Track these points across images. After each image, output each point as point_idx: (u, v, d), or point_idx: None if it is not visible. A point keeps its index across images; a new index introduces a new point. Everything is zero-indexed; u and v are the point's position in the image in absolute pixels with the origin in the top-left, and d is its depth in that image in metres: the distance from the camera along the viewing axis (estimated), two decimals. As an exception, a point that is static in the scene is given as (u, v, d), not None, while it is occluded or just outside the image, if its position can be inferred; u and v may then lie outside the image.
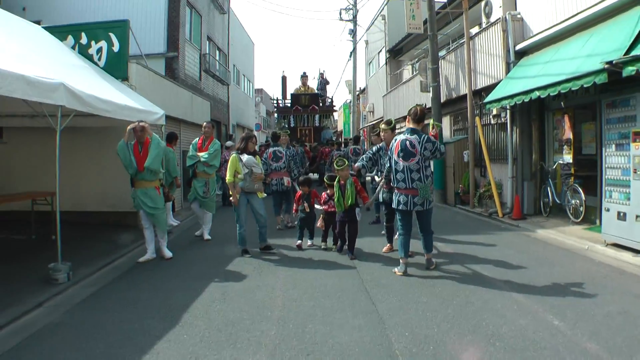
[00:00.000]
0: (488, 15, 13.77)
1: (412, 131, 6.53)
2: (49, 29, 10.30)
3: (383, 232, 8.48)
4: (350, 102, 33.57)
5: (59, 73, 6.76)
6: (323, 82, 29.14)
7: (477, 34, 13.91)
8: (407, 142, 6.45)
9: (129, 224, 10.45)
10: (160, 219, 7.57)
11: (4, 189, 10.33)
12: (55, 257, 6.26)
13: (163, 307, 5.25)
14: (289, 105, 25.05)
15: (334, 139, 24.15)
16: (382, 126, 8.20)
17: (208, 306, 5.26)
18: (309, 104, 24.12)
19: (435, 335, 4.29)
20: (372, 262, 7.32)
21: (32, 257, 7.69)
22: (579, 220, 9.65)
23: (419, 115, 6.62)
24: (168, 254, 7.71)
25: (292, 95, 25.04)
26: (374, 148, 8.34)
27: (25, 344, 4.31)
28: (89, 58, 10.50)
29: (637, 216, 7.12)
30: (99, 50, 10.81)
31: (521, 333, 4.29)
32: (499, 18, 12.34)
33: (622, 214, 7.46)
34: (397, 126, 23.79)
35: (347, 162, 7.78)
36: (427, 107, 14.60)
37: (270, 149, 10.48)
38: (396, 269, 6.60)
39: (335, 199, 7.61)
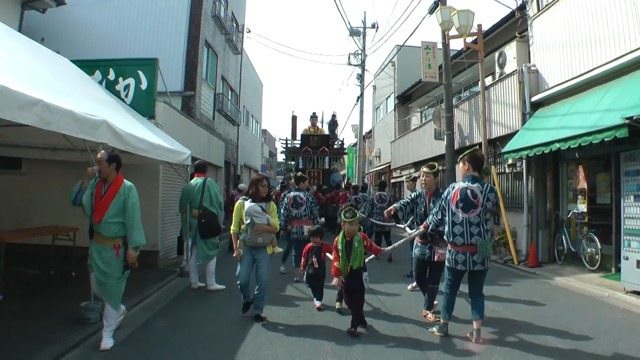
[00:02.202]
0: (502, 66, 14.29)
1: (474, 179, 5.72)
2: (76, 62, 10.14)
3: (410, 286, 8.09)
4: (355, 145, 33.82)
5: (97, 109, 6.76)
6: (333, 124, 29.36)
7: (492, 85, 14.37)
8: (469, 191, 5.62)
9: (150, 263, 10.27)
10: (112, 292, 5.40)
11: (21, 221, 10.13)
12: (77, 294, 6.29)
13: None
14: (298, 145, 24.69)
15: (342, 183, 24.02)
16: (425, 169, 7.02)
17: None
18: (319, 145, 23.86)
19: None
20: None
21: (54, 294, 7.31)
22: (595, 268, 9.87)
23: (480, 160, 5.92)
24: (107, 343, 5.28)
25: (302, 135, 24.80)
26: (413, 194, 7.31)
27: None
28: (116, 94, 10.53)
29: (656, 265, 7.33)
30: (127, 87, 10.91)
31: None
32: (515, 70, 12.83)
33: (641, 263, 7.69)
34: (403, 173, 24.26)
35: (357, 214, 6.38)
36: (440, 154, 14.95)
37: (291, 194, 9.74)
38: (434, 329, 5.88)
39: (341, 261, 6.11)
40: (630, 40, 9.04)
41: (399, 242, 7.23)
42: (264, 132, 54.18)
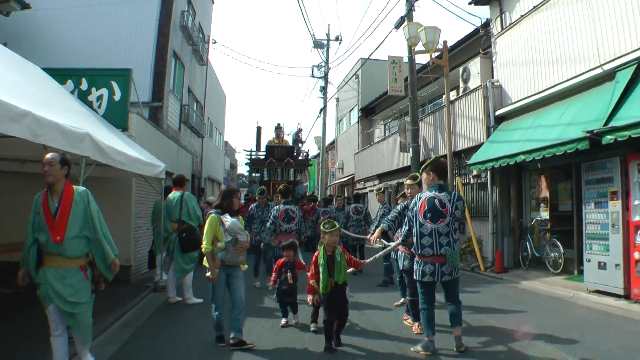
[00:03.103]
0: (466, 81, 14.87)
1: (440, 187, 5.60)
2: (47, 70, 9.50)
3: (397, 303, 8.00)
4: (318, 157, 33.92)
5: (76, 121, 6.48)
6: (299, 138, 29.36)
7: (457, 99, 14.97)
8: (436, 201, 5.47)
9: (123, 278, 9.73)
10: (84, 322, 4.61)
11: None
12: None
13: None
14: (262, 157, 24.17)
15: (307, 194, 23.99)
16: (408, 182, 6.92)
17: None
18: (283, 157, 23.24)
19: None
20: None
21: (28, 312, 6.76)
22: (559, 271, 10.47)
23: (444, 168, 5.94)
24: None
25: (266, 147, 24.32)
26: (399, 207, 6.94)
27: None
28: (89, 104, 10.16)
29: (616, 265, 8.03)
30: (100, 97, 10.70)
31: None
32: (480, 85, 13.41)
33: (602, 264, 8.34)
34: (367, 185, 24.68)
35: (337, 225, 6.00)
36: (405, 165, 15.38)
37: (282, 207, 9.23)
38: (419, 348, 5.45)
39: (321, 278, 5.65)
40: (589, 59, 9.71)
41: (379, 254, 7.20)
42: (225, 143, 54.07)
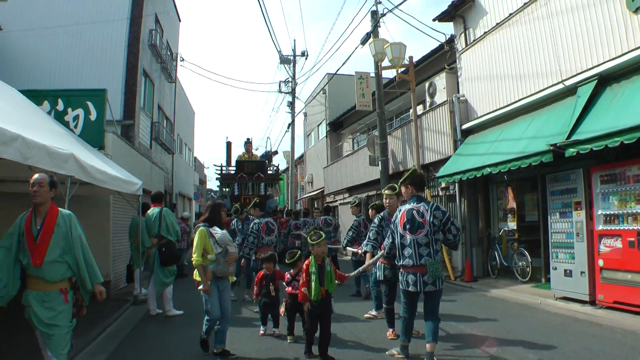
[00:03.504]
0: (432, 95, 15.30)
1: (418, 199, 5.75)
2: (24, 92, 9.57)
3: (371, 313, 8.17)
4: (287, 171, 33.97)
5: (58, 142, 6.67)
6: (269, 153, 29.44)
7: (424, 113, 15.33)
8: (414, 212, 5.61)
9: None
10: (61, 344, 4.46)
11: None
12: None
13: None
14: (233, 172, 24.02)
15: (278, 208, 24.11)
16: (387, 192, 7.20)
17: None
18: (254, 171, 23.24)
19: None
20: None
21: (15, 326, 6.57)
22: (527, 279, 10.84)
23: (421, 180, 6.06)
24: None
25: (237, 162, 24.20)
26: (376, 220, 7.34)
27: None
28: (65, 124, 10.39)
29: (581, 272, 8.43)
30: (76, 117, 10.95)
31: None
32: (446, 100, 13.81)
33: (568, 271, 8.74)
34: (337, 198, 24.94)
35: (323, 235, 6.12)
36: (375, 179, 15.68)
37: (263, 220, 9.50)
38: (394, 351, 5.78)
39: (312, 286, 5.76)
40: (551, 75, 10.16)
41: (363, 267, 7.20)
42: (195, 159, 53.88)
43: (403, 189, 5.97)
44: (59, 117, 10.62)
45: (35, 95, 10.39)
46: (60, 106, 10.90)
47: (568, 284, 8.75)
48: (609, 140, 7.42)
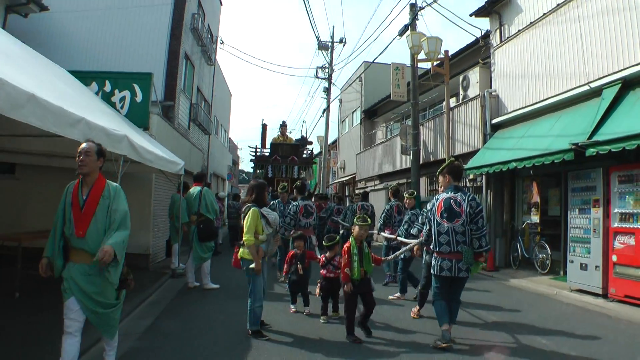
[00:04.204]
0: (465, 89, 15.64)
1: (456, 188, 5.98)
2: (73, 72, 9.91)
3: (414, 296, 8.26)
4: (320, 155, 34.31)
5: (111, 123, 7.15)
6: (305, 139, 29.63)
7: (456, 106, 15.73)
8: (452, 201, 5.83)
9: (141, 266, 10.95)
10: (108, 321, 4.43)
11: (15, 225, 9.97)
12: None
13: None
14: (267, 154, 24.10)
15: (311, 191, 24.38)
16: (407, 195, 8.88)
17: None
18: (288, 154, 23.15)
19: None
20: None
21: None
22: (546, 271, 11.29)
23: (459, 171, 6.27)
24: None
25: (271, 144, 24.21)
26: (410, 213, 8.64)
27: None
28: (112, 105, 10.91)
29: (596, 267, 8.86)
30: (122, 99, 11.43)
31: (528, 350, 5.76)
32: (478, 95, 14.20)
33: (584, 265, 9.16)
34: (369, 184, 25.42)
35: (369, 221, 6.43)
36: (405, 168, 16.13)
37: (301, 203, 9.46)
38: (438, 342, 5.70)
39: (354, 266, 6.03)
40: (578, 76, 10.51)
41: (400, 251, 7.55)
42: (229, 140, 54.67)
43: (441, 178, 6.18)
44: (106, 98, 11.12)
45: (84, 77, 10.80)
46: (107, 87, 11.38)
47: (583, 277, 9.19)
48: (626, 143, 7.81)
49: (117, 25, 17.44)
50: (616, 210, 8.56)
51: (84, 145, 4.41)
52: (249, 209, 6.08)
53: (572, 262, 9.54)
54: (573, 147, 8.96)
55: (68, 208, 4.28)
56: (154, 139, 11.10)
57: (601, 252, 8.79)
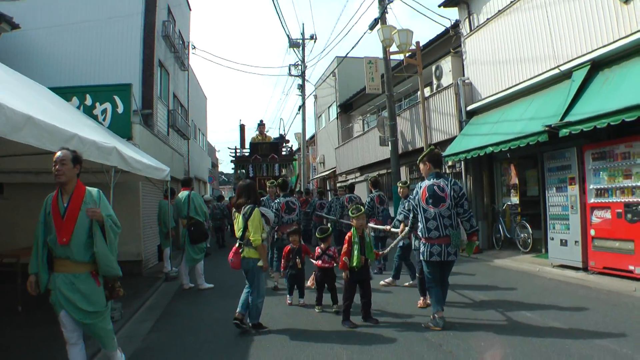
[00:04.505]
0: (439, 78, 16.01)
1: (437, 175, 6.18)
2: (53, 89, 10.05)
3: (406, 283, 8.81)
4: (299, 152, 34.57)
5: (96, 136, 7.21)
6: (283, 137, 29.80)
7: (431, 95, 16.09)
8: (436, 187, 6.04)
9: (134, 272, 11.15)
10: (101, 332, 4.41)
11: (9, 242, 9.90)
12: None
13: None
14: (247, 154, 24.47)
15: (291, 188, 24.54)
16: (400, 184, 9.13)
17: None
18: (268, 152, 23.59)
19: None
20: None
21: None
22: (528, 250, 11.70)
23: (439, 158, 6.45)
24: None
25: (251, 144, 24.64)
26: (407, 204, 7.96)
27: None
28: (94, 118, 11.08)
29: (575, 242, 9.31)
30: (104, 111, 11.62)
31: (515, 325, 6.13)
32: (452, 83, 14.54)
33: (564, 241, 9.61)
34: (349, 177, 25.74)
35: (362, 210, 6.70)
36: (385, 158, 16.45)
37: (283, 199, 9.58)
38: (431, 324, 5.97)
39: (355, 254, 6.32)
40: (548, 60, 10.92)
41: (393, 243, 8.06)
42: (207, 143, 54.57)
43: (422, 166, 6.38)
44: (88, 111, 11.25)
45: (65, 92, 10.98)
46: (88, 101, 11.52)
47: (564, 253, 9.60)
48: (597, 122, 8.17)
49: (90, 38, 17.34)
50: (592, 187, 8.97)
51: (58, 154, 4.32)
52: (252, 210, 6.20)
53: (552, 239, 9.95)
54: (546, 129, 9.33)
55: (49, 218, 4.25)
56: (138, 147, 11.33)
57: (580, 227, 9.20)
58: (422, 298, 7.24)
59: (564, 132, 8.95)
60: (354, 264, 6.32)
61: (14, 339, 6.03)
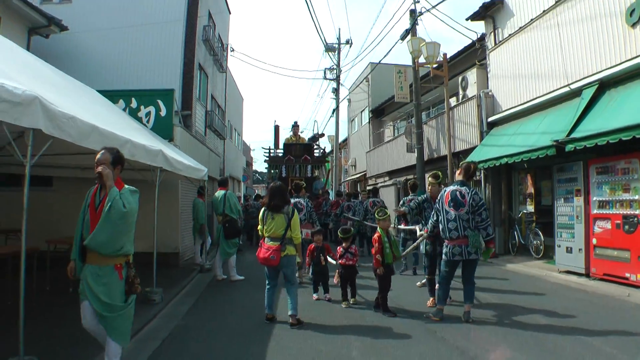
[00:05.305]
0: (464, 89, 16.67)
1: (462, 183, 6.83)
2: (101, 92, 10.83)
3: (418, 283, 9.34)
4: (331, 154, 35.04)
5: (143, 138, 8.08)
6: (316, 136, 30.26)
7: (455, 106, 16.79)
8: (457, 193, 6.71)
9: (171, 263, 12.24)
10: (117, 325, 4.48)
11: (55, 232, 10.48)
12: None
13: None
14: (280, 154, 24.82)
15: (321, 190, 24.98)
16: (431, 180, 8.31)
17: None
18: (301, 153, 23.83)
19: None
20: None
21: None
22: (540, 256, 12.36)
23: (472, 173, 7.07)
24: None
25: (284, 144, 24.96)
26: (419, 198, 8.45)
27: (170, 340, 6.02)
28: (139, 120, 12.00)
29: (579, 249, 10.00)
30: (148, 114, 12.65)
31: (518, 315, 6.85)
32: (475, 95, 15.23)
33: (569, 249, 10.31)
34: (378, 181, 26.42)
35: (387, 213, 7.63)
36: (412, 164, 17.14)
37: (292, 200, 9.44)
38: (431, 314, 6.82)
39: (387, 252, 7.15)
40: (560, 78, 11.61)
41: (413, 245, 8.60)
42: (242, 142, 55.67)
43: (457, 171, 7.15)
44: (133, 113, 12.24)
45: (112, 95, 11.90)
46: (134, 104, 12.56)
47: (569, 259, 10.31)
48: (598, 139, 8.87)
49: (134, 41, 18.21)
50: (595, 199, 9.63)
51: (99, 156, 4.51)
52: (294, 211, 6.90)
53: (559, 246, 10.64)
54: (554, 143, 10.02)
55: (87, 210, 4.51)
56: (178, 148, 12.25)
57: (583, 236, 9.88)
58: (431, 298, 7.78)
59: (570, 147, 9.63)
60: (389, 260, 7.19)
61: (64, 317, 6.73)
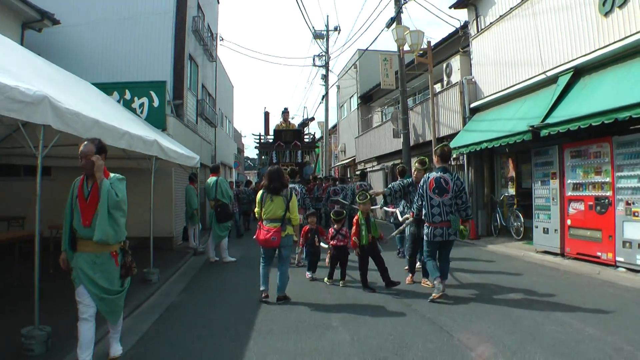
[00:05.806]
0: (449, 75, 17.12)
1: (444, 169, 7.20)
2: (96, 85, 11.16)
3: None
4: (321, 140, 35.39)
5: (139, 129, 8.42)
6: (306, 120, 30.54)
7: (439, 93, 17.22)
8: (442, 180, 7.06)
9: (166, 247, 12.66)
10: (113, 308, 4.70)
11: (55, 219, 10.11)
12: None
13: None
14: (270, 140, 25.17)
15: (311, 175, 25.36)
16: (417, 166, 8.51)
17: None
18: (291, 139, 24.21)
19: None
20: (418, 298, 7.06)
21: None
22: (520, 237, 12.89)
23: (448, 155, 7.38)
24: (116, 350, 4.85)
25: (274, 131, 25.23)
26: (404, 181, 8.82)
27: (167, 314, 6.63)
28: (133, 111, 12.49)
29: (555, 230, 10.52)
30: (141, 105, 13.11)
31: (492, 292, 7.32)
32: (458, 81, 15.67)
33: (546, 229, 10.82)
34: (367, 166, 26.90)
35: (369, 196, 8.05)
36: (398, 149, 17.61)
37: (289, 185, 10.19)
38: (434, 294, 6.90)
39: (363, 234, 7.64)
40: (537, 65, 12.05)
41: (399, 229, 9.13)
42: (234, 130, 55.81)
43: (435, 158, 7.43)
44: (127, 104, 12.72)
45: (107, 87, 12.28)
46: (127, 96, 13.01)
47: (545, 240, 10.84)
48: (570, 125, 9.34)
49: (125, 33, 18.30)
50: (569, 181, 10.14)
51: (82, 148, 4.59)
52: (292, 192, 7.21)
53: (537, 227, 11.18)
54: (530, 129, 10.51)
55: (75, 201, 4.58)
56: (171, 137, 12.69)
57: (559, 217, 10.40)
58: (410, 275, 8.34)
59: (544, 132, 10.12)
60: (364, 242, 7.68)
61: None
